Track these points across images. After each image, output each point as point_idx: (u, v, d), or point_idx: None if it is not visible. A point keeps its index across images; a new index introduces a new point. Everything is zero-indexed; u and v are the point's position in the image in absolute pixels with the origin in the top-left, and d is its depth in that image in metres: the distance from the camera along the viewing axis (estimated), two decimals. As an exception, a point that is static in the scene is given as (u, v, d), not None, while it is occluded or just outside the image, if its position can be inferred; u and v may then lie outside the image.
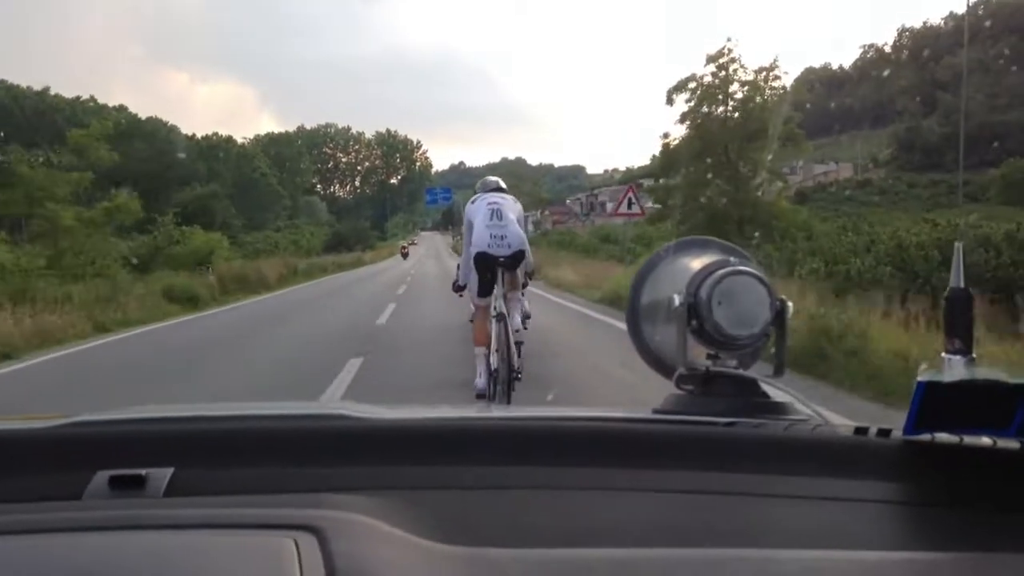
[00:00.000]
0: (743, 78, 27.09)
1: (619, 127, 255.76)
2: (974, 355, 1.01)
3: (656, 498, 0.80)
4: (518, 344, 5.42)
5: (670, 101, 28.31)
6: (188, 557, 0.64)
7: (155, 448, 0.86)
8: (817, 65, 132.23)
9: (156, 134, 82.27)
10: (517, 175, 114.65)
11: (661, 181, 29.40)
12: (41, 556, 0.64)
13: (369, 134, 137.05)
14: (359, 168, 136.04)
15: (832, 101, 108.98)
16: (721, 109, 27.47)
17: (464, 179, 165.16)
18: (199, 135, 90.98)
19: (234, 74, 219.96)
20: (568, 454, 0.85)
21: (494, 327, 5.17)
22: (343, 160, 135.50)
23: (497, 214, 5.35)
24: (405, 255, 62.41)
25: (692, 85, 27.76)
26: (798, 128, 27.75)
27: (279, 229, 70.34)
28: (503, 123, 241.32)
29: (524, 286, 6.06)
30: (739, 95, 27.33)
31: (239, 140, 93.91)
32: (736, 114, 27.02)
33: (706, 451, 0.85)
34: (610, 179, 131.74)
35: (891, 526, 0.76)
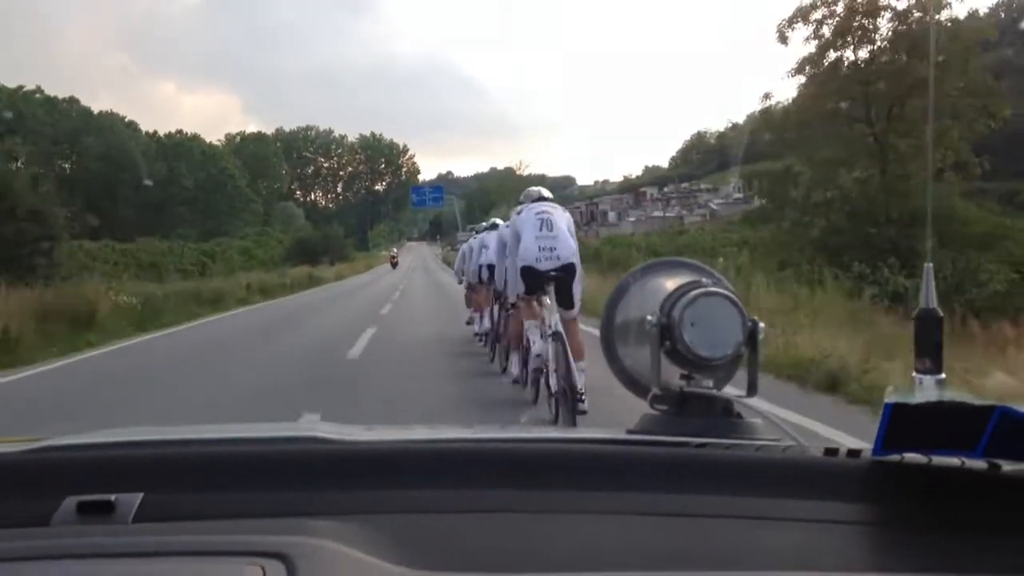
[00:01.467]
0: (897, 5, 18.10)
1: (609, 139, 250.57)
2: (943, 375, 1.08)
3: (629, 521, 0.79)
4: (581, 396, 4.70)
5: (783, 39, 19.85)
6: None
7: (124, 473, 0.85)
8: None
9: (111, 130, 73.79)
10: (507, 186, 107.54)
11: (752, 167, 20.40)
12: None
13: (352, 137, 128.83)
14: (341, 174, 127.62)
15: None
16: (866, 52, 18.71)
17: (452, 188, 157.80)
18: (161, 132, 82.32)
19: (221, 84, 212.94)
20: (541, 477, 0.85)
21: (551, 347, 4.88)
22: (324, 165, 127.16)
23: (547, 224, 5.13)
24: (395, 264, 59.97)
25: (819, 15, 18.94)
26: (992, 79, 18.24)
27: (244, 237, 61.93)
28: (492, 134, 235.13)
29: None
30: (888, 31, 18.48)
31: (208, 140, 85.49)
32: (888, 56, 18.18)
33: (679, 473, 0.85)
34: (602, 189, 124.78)
35: (861, 547, 0.77)
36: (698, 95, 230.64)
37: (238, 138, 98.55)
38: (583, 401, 4.68)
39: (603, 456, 0.92)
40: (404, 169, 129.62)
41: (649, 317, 1.06)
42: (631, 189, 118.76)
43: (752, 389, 1.10)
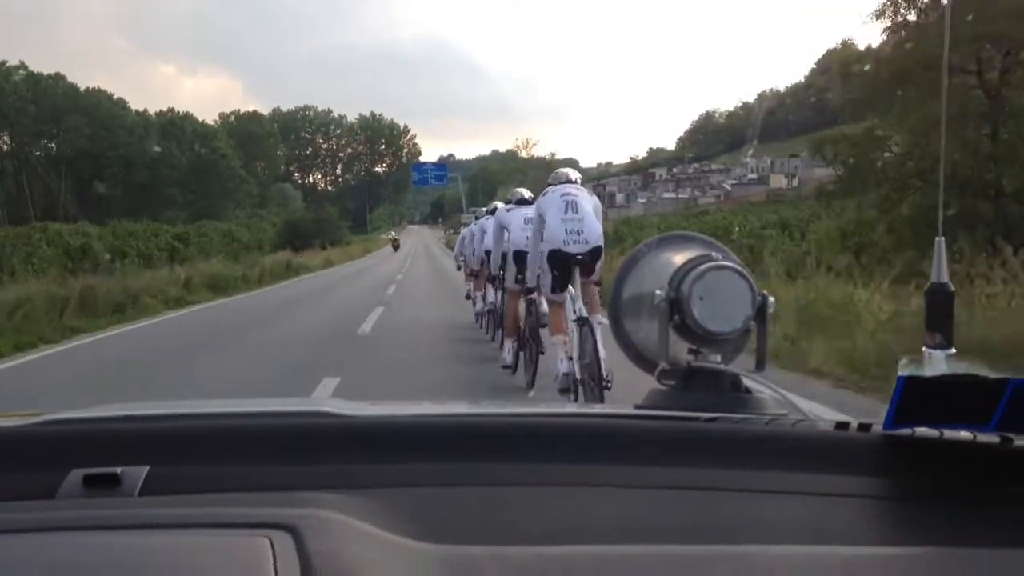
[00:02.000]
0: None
1: (612, 121, 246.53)
2: (954, 349, 1.08)
3: (637, 494, 0.79)
4: (607, 383, 4.52)
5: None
6: (162, 557, 0.65)
7: (130, 446, 0.85)
8: (838, 47, 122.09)
9: (98, 108, 70.51)
10: (510, 167, 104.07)
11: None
12: (13, 556, 0.64)
13: (352, 118, 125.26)
14: (341, 155, 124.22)
15: None
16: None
17: (454, 171, 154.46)
18: (152, 111, 78.96)
19: (222, 66, 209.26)
20: (548, 450, 0.85)
21: (576, 332, 4.80)
22: (323, 146, 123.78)
23: (573, 206, 4.99)
24: (396, 247, 57.79)
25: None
26: None
27: (236, 219, 58.79)
28: (494, 117, 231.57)
29: (598, 284, 5.26)
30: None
31: (201, 119, 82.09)
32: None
33: (687, 447, 0.85)
34: (605, 172, 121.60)
35: (872, 521, 0.77)
36: (702, 76, 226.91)
37: (232, 117, 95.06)
38: (609, 388, 4.54)
39: (611, 430, 0.91)
40: (405, 150, 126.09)
41: (658, 291, 1.05)
42: (638, 171, 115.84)
43: (761, 364, 1.09)
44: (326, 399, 1.07)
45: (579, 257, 4.89)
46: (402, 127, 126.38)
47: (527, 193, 6.89)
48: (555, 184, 5.34)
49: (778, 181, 76.55)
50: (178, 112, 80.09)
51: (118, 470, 0.77)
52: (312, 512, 0.68)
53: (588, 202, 5.12)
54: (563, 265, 4.93)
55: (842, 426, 0.89)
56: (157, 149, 71.61)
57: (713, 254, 1.08)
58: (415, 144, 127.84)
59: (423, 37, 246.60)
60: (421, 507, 0.74)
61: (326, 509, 0.69)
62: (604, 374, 4.50)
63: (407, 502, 0.75)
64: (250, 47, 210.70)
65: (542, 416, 1.03)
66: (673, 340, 1.06)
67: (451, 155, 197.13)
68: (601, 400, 4.43)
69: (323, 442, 0.87)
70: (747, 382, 1.05)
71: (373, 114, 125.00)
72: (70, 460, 0.79)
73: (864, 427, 0.86)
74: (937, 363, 0.99)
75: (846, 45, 17.98)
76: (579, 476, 0.81)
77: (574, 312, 4.83)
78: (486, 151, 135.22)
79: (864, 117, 14.92)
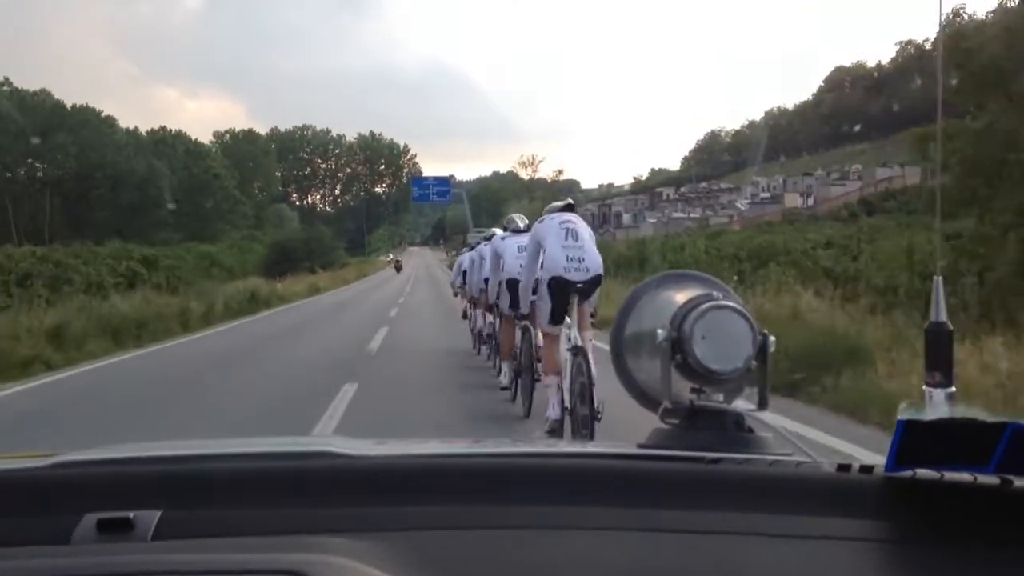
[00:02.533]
0: None
1: (612, 143, 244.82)
2: (954, 388, 1.08)
3: (641, 537, 0.79)
4: (598, 415, 4.68)
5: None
6: None
7: (142, 490, 0.86)
8: (848, 63, 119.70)
9: (86, 126, 67.77)
10: (510, 188, 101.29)
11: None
12: None
13: (351, 137, 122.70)
14: (340, 175, 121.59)
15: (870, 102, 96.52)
16: None
17: (455, 191, 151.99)
18: (143, 129, 76.17)
19: (224, 90, 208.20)
20: (553, 492, 0.85)
21: (571, 360, 4.87)
22: (322, 166, 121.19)
23: (573, 234, 5.05)
24: (399, 268, 56.16)
25: None
26: None
27: (226, 242, 55.77)
28: (494, 139, 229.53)
29: (592, 315, 5.47)
30: None
31: (195, 138, 79.32)
32: None
33: (691, 489, 0.85)
34: (608, 192, 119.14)
35: (874, 564, 0.77)
36: (705, 95, 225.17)
37: (227, 136, 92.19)
38: (599, 419, 4.54)
39: (616, 472, 0.91)
40: (405, 170, 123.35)
41: (659, 331, 1.06)
42: (643, 190, 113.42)
43: (763, 403, 1.09)
44: (332, 438, 1.11)
45: (580, 285, 4.92)
46: (402, 147, 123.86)
47: (522, 222, 6.98)
48: (547, 213, 5.36)
49: (793, 200, 73.72)
50: (170, 130, 77.34)
51: (131, 514, 0.77)
52: (320, 558, 0.69)
53: (586, 230, 5.13)
54: (563, 293, 4.94)
55: (844, 468, 0.89)
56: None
57: (714, 293, 1.09)
58: (415, 164, 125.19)
59: (424, 59, 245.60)
60: (428, 551, 0.75)
61: (335, 554, 0.70)
62: (595, 404, 4.53)
63: (414, 546, 0.75)
64: (252, 69, 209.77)
65: (548, 456, 1.04)
66: (675, 379, 1.06)
67: (452, 176, 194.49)
68: (591, 430, 4.49)
69: (330, 485, 0.88)
70: (750, 421, 1.06)
71: (372, 133, 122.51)
72: (83, 504, 0.80)
73: (866, 469, 0.87)
74: (937, 402, 1.03)
75: (957, 14, 14.86)
76: (584, 519, 0.81)
77: (569, 340, 4.92)
78: (487, 172, 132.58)
79: (985, 103, 11.72)
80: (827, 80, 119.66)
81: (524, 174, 59.97)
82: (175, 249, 39.51)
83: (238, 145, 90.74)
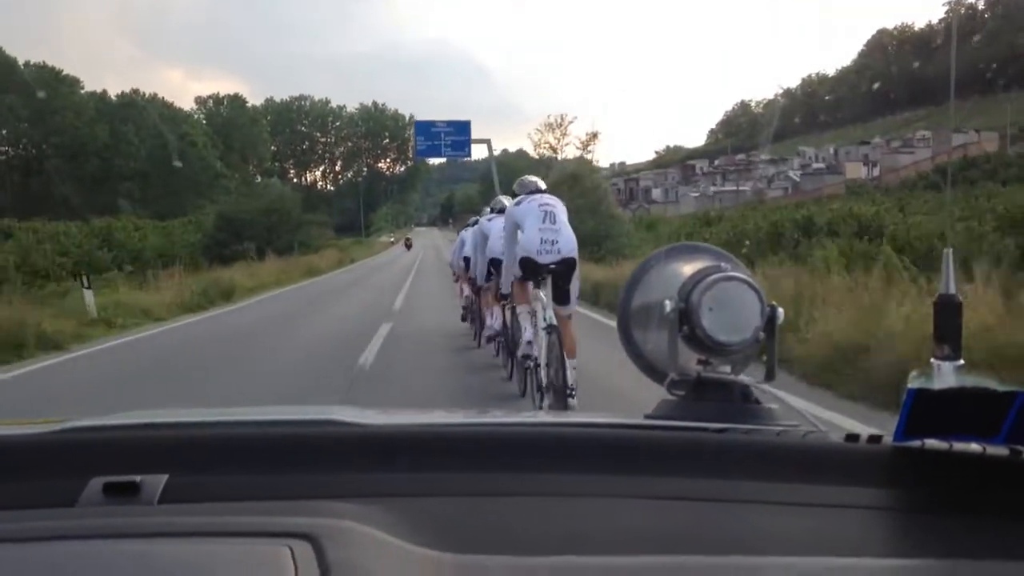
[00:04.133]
0: None
1: (619, 124, 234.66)
2: (962, 361, 1.11)
3: (648, 505, 0.80)
4: (571, 391, 4.72)
5: None
6: (182, 565, 0.65)
7: (149, 454, 0.87)
8: (890, 26, 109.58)
9: (40, 87, 58.45)
10: (521, 168, 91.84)
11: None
12: (34, 564, 0.65)
13: (352, 108, 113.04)
14: (341, 150, 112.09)
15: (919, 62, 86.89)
16: None
17: (461, 173, 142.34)
18: (112, 92, 66.78)
19: (228, 71, 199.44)
20: (560, 461, 0.86)
21: (544, 339, 4.89)
22: (321, 140, 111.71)
23: (551, 217, 5.05)
24: (409, 246, 54.39)
25: None
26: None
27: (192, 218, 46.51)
28: (502, 118, 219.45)
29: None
30: None
31: (171, 102, 69.83)
32: None
33: (698, 458, 0.86)
34: (620, 171, 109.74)
35: (882, 533, 0.77)
36: (719, 71, 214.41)
37: (210, 102, 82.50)
38: (572, 397, 4.69)
39: (622, 440, 0.91)
40: (410, 144, 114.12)
41: (667, 302, 1.05)
42: (665, 166, 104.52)
43: (770, 374, 1.10)
44: (340, 407, 1.08)
45: (551, 267, 4.96)
46: (407, 118, 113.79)
47: (508, 202, 6.59)
48: (524, 193, 5.40)
49: (854, 170, 64.46)
50: (143, 93, 67.91)
51: (138, 478, 0.78)
52: (331, 522, 0.69)
53: (563, 212, 5.15)
54: (533, 274, 5.03)
55: (852, 438, 0.89)
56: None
57: (722, 264, 1.09)
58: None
59: (430, 40, 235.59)
60: (437, 517, 0.75)
61: (344, 519, 0.70)
62: (569, 383, 4.69)
63: (423, 512, 0.76)
64: (256, 51, 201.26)
65: (555, 426, 1.04)
66: (682, 350, 1.07)
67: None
68: (565, 407, 4.60)
69: (338, 452, 0.88)
70: (757, 393, 1.06)
71: (375, 104, 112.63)
72: (90, 468, 0.80)
73: (874, 439, 0.87)
74: (946, 375, 1.05)
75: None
76: (592, 486, 0.82)
77: (544, 320, 4.93)
78: (496, 152, 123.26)
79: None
80: (868, 44, 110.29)
81: (543, 145, 50.17)
82: (60, 225, 29.64)
83: (221, 111, 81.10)
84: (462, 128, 32.50)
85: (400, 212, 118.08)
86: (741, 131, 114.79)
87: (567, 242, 4.96)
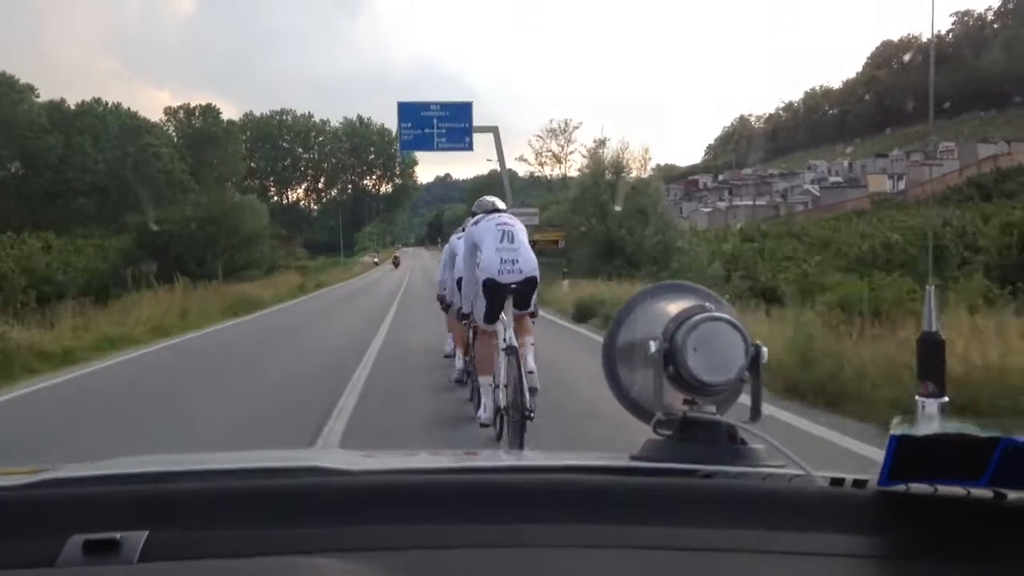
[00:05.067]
0: None
1: (612, 143, 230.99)
2: (947, 398, 1.08)
3: (636, 555, 0.80)
4: (532, 390, 4.87)
5: None
6: None
7: (129, 510, 0.85)
8: (895, 38, 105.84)
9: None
10: (510, 187, 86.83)
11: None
12: None
13: (336, 122, 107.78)
14: (324, 166, 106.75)
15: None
16: None
17: (450, 192, 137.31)
18: (71, 101, 61.25)
19: (214, 92, 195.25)
20: (546, 510, 0.85)
21: (503, 360, 4.89)
22: (303, 156, 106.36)
23: (508, 236, 5.04)
24: (397, 263, 52.03)
25: None
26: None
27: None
28: (489, 139, 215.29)
29: (533, 315, 5.65)
30: None
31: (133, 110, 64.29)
32: None
33: (683, 505, 0.86)
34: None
35: None
36: (703, 92, 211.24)
37: (181, 112, 76.78)
38: (531, 419, 4.67)
39: (609, 488, 0.91)
40: (398, 159, 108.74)
41: (652, 342, 1.06)
42: (668, 182, 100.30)
43: (755, 414, 1.09)
44: (323, 452, 1.08)
45: (513, 287, 4.94)
46: (394, 132, 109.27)
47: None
48: (482, 212, 5.40)
49: (878, 183, 59.82)
50: (105, 103, 62.37)
51: (118, 535, 0.76)
52: None
53: (522, 231, 5.16)
54: (496, 296, 4.96)
55: (837, 482, 0.89)
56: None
57: (707, 304, 1.09)
58: (409, 153, 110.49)
59: (418, 59, 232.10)
60: (416, 570, 0.74)
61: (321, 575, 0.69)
62: (528, 404, 4.63)
63: (403, 565, 0.75)
64: (244, 71, 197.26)
65: (538, 471, 1.03)
66: (667, 390, 1.07)
67: (447, 175, 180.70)
68: (522, 429, 4.62)
69: (321, 503, 0.87)
70: (743, 433, 1.06)
71: (360, 118, 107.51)
72: (70, 525, 0.79)
73: (859, 483, 0.87)
74: (930, 413, 1.04)
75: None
76: (578, 536, 0.81)
77: (504, 341, 4.92)
78: (484, 170, 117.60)
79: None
80: (873, 56, 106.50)
81: (544, 154, 44.25)
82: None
83: (192, 123, 75.50)
84: (461, 112, 25.56)
85: (386, 231, 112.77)
86: (740, 146, 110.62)
87: (527, 261, 5.01)
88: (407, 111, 25.77)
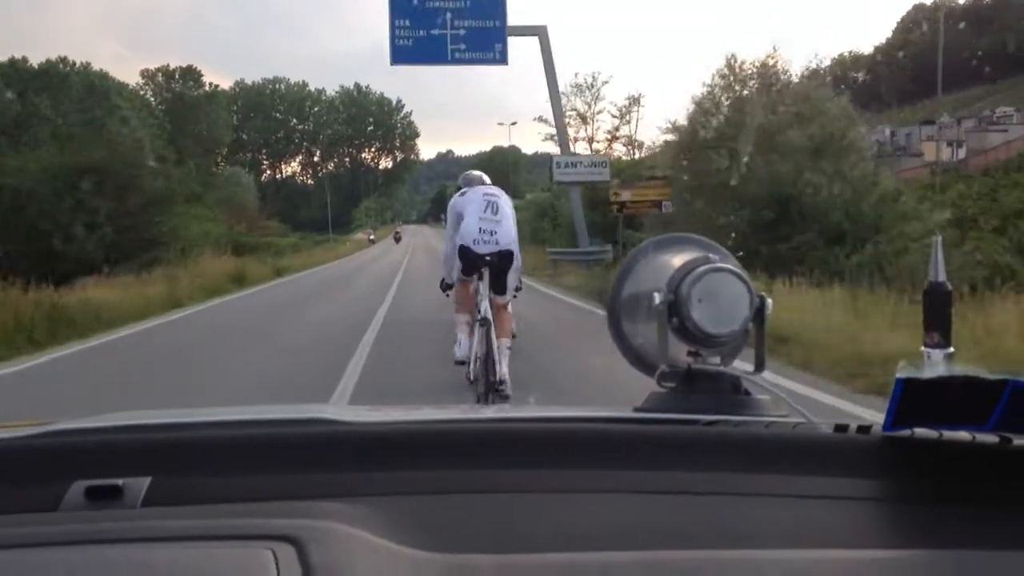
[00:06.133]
0: None
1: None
2: (952, 349, 1.05)
3: (639, 500, 0.80)
4: (504, 396, 4.91)
5: None
6: (165, 570, 0.65)
7: (132, 457, 0.86)
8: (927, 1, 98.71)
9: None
10: (515, 164, 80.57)
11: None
12: (16, 570, 0.65)
13: (332, 91, 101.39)
14: (320, 138, 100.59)
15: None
16: None
17: (452, 169, 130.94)
18: (34, 60, 55.01)
19: (217, 72, 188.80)
20: (550, 457, 0.85)
21: (477, 332, 4.98)
22: (298, 128, 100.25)
23: (493, 207, 5.11)
24: (398, 239, 52.23)
25: None
26: None
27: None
28: (495, 114, 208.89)
29: (518, 290, 5.54)
30: None
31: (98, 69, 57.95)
32: None
33: (688, 451, 0.86)
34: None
35: (872, 523, 0.78)
36: (701, 63, 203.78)
37: (160, 75, 70.30)
38: (502, 390, 4.76)
39: (612, 435, 0.91)
40: (398, 131, 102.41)
41: (656, 294, 1.06)
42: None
43: (760, 365, 1.09)
44: (326, 406, 1.04)
45: (487, 258, 4.99)
46: (394, 102, 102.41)
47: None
48: (468, 187, 5.46)
49: (933, 151, 53.73)
50: (72, 62, 56.07)
51: (120, 482, 0.77)
52: (314, 523, 0.68)
53: (508, 205, 5.24)
54: (470, 263, 5.05)
55: (842, 428, 0.90)
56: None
57: (711, 256, 1.08)
58: (410, 123, 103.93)
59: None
60: (423, 515, 0.75)
61: (328, 519, 0.70)
62: (499, 377, 4.81)
63: (408, 510, 0.75)
64: (246, 51, 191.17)
65: (542, 421, 1.03)
66: (672, 342, 1.07)
67: (449, 151, 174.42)
68: (488, 402, 4.75)
69: (323, 451, 0.87)
70: (747, 384, 1.06)
71: (358, 86, 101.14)
72: (73, 472, 0.79)
73: (864, 429, 0.87)
74: (936, 363, 1.00)
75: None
76: (581, 482, 0.82)
77: (480, 312, 4.98)
78: (487, 147, 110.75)
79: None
80: (904, 20, 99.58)
81: (569, 112, 37.52)
82: None
83: (171, 87, 69.15)
84: (490, 5, 16.31)
85: (386, 207, 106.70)
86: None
87: (506, 234, 5.07)
88: (400, 3, 16.73)
